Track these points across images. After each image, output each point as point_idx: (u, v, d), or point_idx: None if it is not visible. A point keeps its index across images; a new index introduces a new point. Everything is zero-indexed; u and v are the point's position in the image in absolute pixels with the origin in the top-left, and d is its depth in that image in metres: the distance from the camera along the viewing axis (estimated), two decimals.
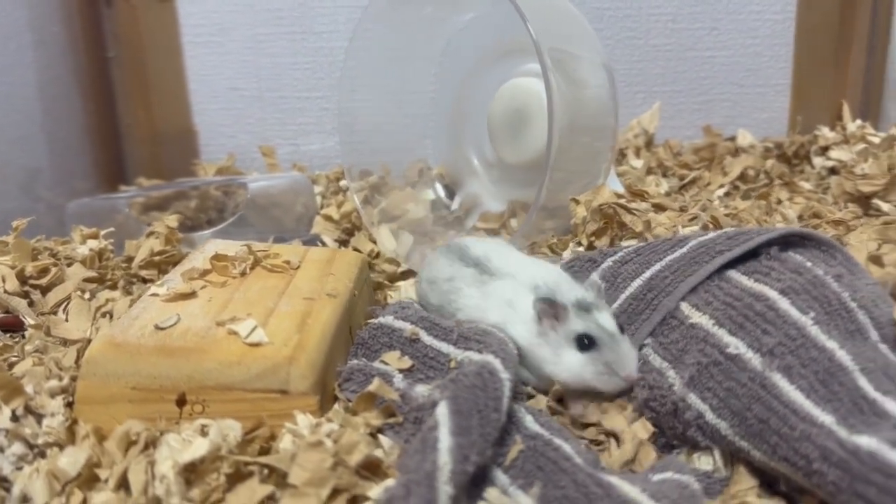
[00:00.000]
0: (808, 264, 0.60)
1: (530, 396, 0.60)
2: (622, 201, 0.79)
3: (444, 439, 0.45)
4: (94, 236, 0.89)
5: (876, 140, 1.19)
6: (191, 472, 0.49)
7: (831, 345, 0.53)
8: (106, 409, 0.54)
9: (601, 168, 0.93)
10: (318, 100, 1.32)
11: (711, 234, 0.66)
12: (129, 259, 0.87)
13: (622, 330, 0.60)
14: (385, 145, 1.12)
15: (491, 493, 0.46)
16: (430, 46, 1.08)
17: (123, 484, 0.49)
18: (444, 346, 0.60)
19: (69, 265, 0.79)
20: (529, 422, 0.55)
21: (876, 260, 0.65)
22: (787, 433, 0.48)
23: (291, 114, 1.32)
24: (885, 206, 0.98)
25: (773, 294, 0.57)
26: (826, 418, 0.48)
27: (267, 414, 0.54)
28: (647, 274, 0.66)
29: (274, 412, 0.54)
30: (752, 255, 0.63)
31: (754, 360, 0.53)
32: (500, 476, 0.49)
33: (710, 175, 1.13)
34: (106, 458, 0.51)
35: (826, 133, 1.28)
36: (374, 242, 0.99)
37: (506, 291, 0.64)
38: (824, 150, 1.24)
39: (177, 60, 1.27)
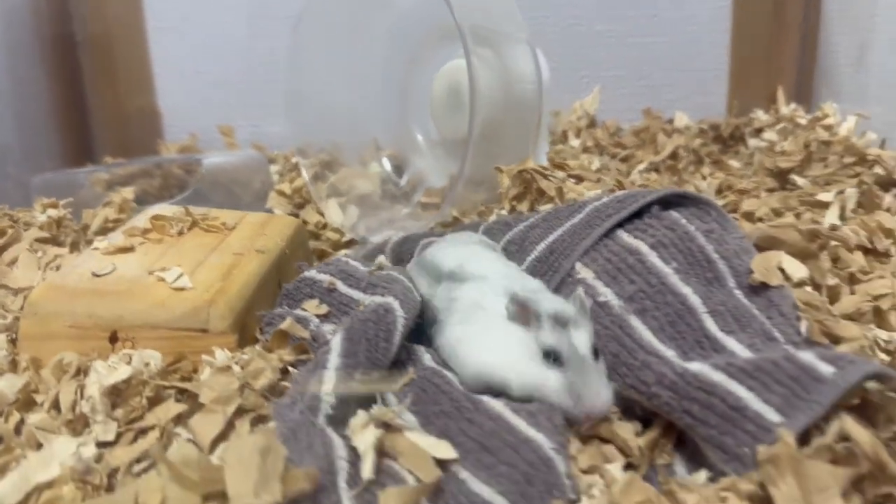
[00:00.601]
0: (683, 221, 0.67)
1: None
2: (540, 169, 0.86)
3: (333, 360, 0.52)
4: (54, 206, 0.95)
5: (804, 122, 1.26)
6: (115, 395, 0.55)
7: (686, 290, 0.60)
8: (46, 345, 0.61)
9: (529, 143, 1.00)
10: (279, 83, 1.37)
11: (605, 199, 0.73)
12: (86, 227, 0.93)
13: (597, 355, 0.55)
14: (336, 125, 1.18)
15: (376, 408, 0.53)
16: (376, 28, 1.14)
17: (56, 406, 0.56)
18: (356, 294, 0.67)
19: (27, 230, 0.85)
20: (427, 360, 0.61)
21: (748, 216, 0.72)
22: (632, 363, 0.54)
23: (253, 96, 1.38)
24: (800, 181, 1.05)
25: (644, 248, 0.64)
26: (668, 352, 0.55)
27: (189, 350, 0.61)
28: (551, 238, 0.72)
29: (196, 349, 0.61)
30: (641, 214, 0.70)
31: (617, 305, 0.60)
32: (390, 397, 0.56)
33: (643, 153, 1.20)
34: (42, 384, 0.57)
35: (760, 116, 1.35)
36: (322, 214, 1.06)
37: (474, 293, 0.61)
38: (758, 132, 1.31)
39: (142, 44, 1.33)
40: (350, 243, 1.01)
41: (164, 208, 0.82)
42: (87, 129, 1.33)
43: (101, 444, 0.53)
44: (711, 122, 1.34)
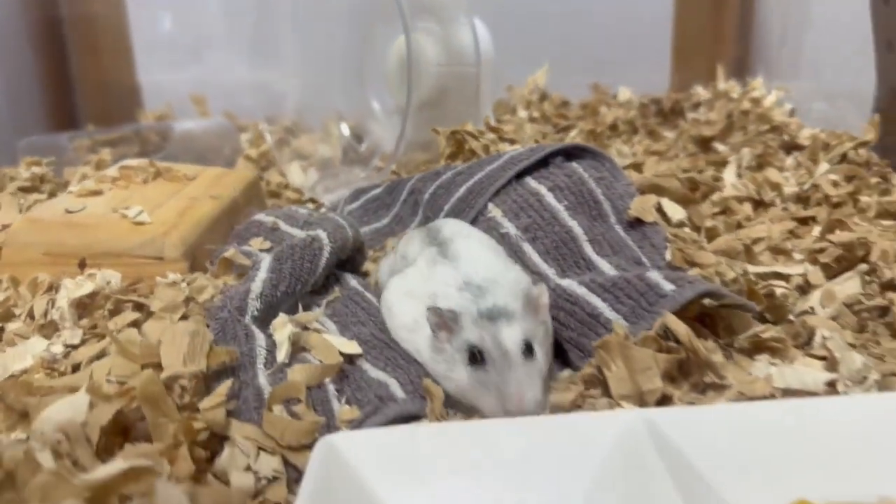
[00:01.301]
0: (580, 169, 0.77)
1: None
2: (471, 130, 0.96)
3: (260, 274, 0.63)
4: (38, 164, 1.05)
5: (736, 96, 1.36)
6: (81, 308, 0.66)
7: (572, 223, 0.71)
8: (23, 270, 0.71)
9: (471, 110, 1.10)
10: (252, 56, 1.47)
11: (520, 150, 0.83)
12: (67, 183, 1.03)
13: (531, 351, 0.53)
14: (302, 95, 1.28)
15: (301, 314, 0.63)
16: (339, 4, 1.24)
17: (31, 315, 0.66)
18: (295, 231, 0.77)
19: (12, 182, 0.95)
20: (353, 283, 0.72)
21: (637, 167, 0.82)
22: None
23: (225, 72, 1.48)
24: (721, 147, 1.15)
25: (543, 190, 0.75)
26: (549, 271, 0.66)
27: (147, 275, 0.71)
28: (471, 182, 0.83)
29: (152, 274, 0.71)
30: (548, 164, 0.80)
31: (514, 235, 0.70)
32: (316, 309, 0.66)
33: (584, 124, 1.30)
34: (20, 299, 0.67)
35: (700, 91, 1.44)
36: (283, 176, 1.16)
37: (436, 285, 0.60)
38: (696, 107, 1.41)
39: (122, 22, 1.42)
40: (309, 202, 1.11)
41: (132, 161, 0.92)
42: (70, 99, 1.43)
43: (69, 347, 0.63)
44: (653, 97, 1.43)
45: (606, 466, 0.46)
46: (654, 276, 0.61)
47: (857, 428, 0.48)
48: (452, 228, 0.68)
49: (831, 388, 0.54)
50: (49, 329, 0.64)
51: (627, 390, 0.54)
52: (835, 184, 0.90)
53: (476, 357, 0.52)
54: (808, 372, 0.55)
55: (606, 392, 0.54)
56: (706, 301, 0.60)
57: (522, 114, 1.33)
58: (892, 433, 0.47)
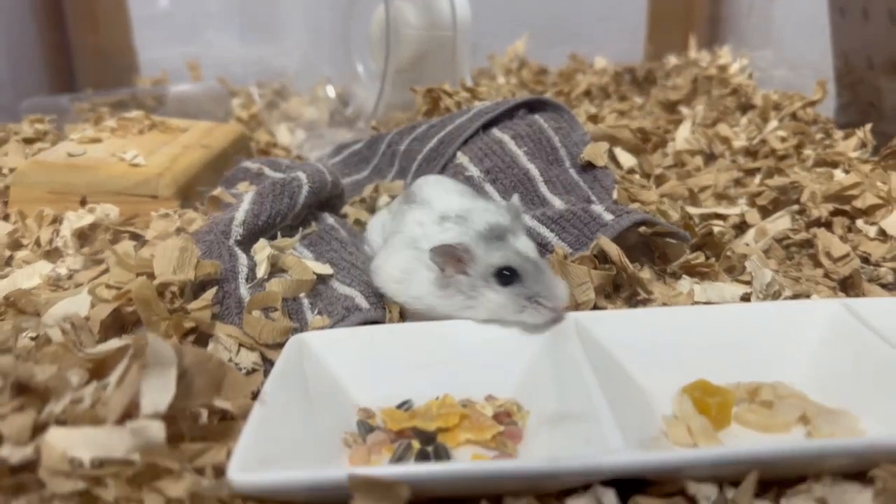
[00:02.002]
0: (541, 120, 0.84)
1: None
2: (445, 89, 1.02)
3: (244, 205, 0.70)
4: (40, 121, 1.11)
5: (705, 64, 1.42)
6: (83, 238, 0.73)
7: (530, 166, 0.78)
8: (29, 207, 0.78)
9: (447, 73, 1.16)
10: (245, 23, 1.53)
11: (488, 103, 0.90)
12: (67, 136, 1.10)
13: (541, 253, 0.57)
14: (291, 61, 1.35)
15: (279, 240, 0.70)
16: None
17: (37, 244, 0.73)
18: (278, 175, 0.84)
19: (16, 136, 1.02)
20: (330, 220, 0.79)
21: (593, 119, 0.89)
22: None
23: (221, 36, 1.54)
24: (685, 111, 1.22)
25: (506, 138, 0.82)
26: None
27: (142, 212, 0.78)
28: (442, 133, 0.89)
29: (147, 211, 0.78)
30: (512, 116, 0.87)
31: (478, 177, 0.77)
32: (297, 244, 0.73)
33: (559, 90, 1.36)
34: (27, 231, 0.74)
35: (672, 60, 1.51)
36: (272, 135, 1.22)
37: (412, 226, 0.61)
38: (668, 75, 1.48)
39: None
40: (296, 159, 1.18)
41: (130, 115, 0.99)
42: (70, 65, 1.49)
43: (71, 271, 0.70)
44: (628, 66, 1.50)
45: (540, 354, 0.53)
46: (597, 208, 0.68)
47: (757, 327, 0.55)
48: (424, 181, 0.70)
49: (745, 300, 0.61)
50: (54, 256, 0.71)
51: None
52: (782, 139, 0.96)
53: (507, 276, 0.54)
54: (726, 287, 0.62)
55: None
56: (642, 229, 0.67)
57: (501, 80, 1.39)
58: (786, 331, 0.55)
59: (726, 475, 0.40)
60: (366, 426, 0.49)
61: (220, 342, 0.55)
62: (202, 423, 0.46)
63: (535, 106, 0.87)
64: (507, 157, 0.79)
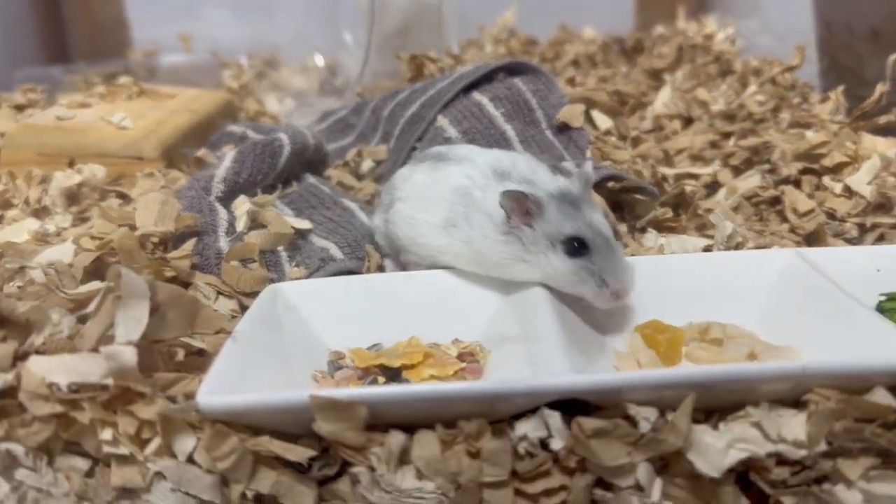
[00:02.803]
0: (519, 83, 0.86)
1: None
2: (429, 55, 1.04)
3: (225, 163, 0.72)
4: (32, 91, 1.13)
5: (692, 34, 1.43)
6: (71, 198, 0.75)
7: (506, 127, 0.80)
8: (20, 169, 0.80)
9: (433, 41, 1.18)
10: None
11: (469, 67, 0.92)
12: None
13: (616, 234, 0.55)
14: (282, 34, 1.36)
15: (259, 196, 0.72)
16: None
17: (27, 202, 0.75)
18: (260, 137, 0.85)
19: (8, 103, 1.04)
20: (312, 180, 0.81)
21: (570, 81, 0.91)
22: None
23: (213, 10, 1.55)
24: (668, 78, 1.23)
25: (484, 101, 0.83)
26: None
27: (129, 174, 0.80)
28: (424, 97, 0.91)
29: (134, 172, 0.80)
30: (491, 80, 0.89)
31: (456, 138, 0.79)
32: (277, 202, 0.75)
33: (543, 57, 1.37)
34: (17, 191, 0.77)
35: (660, 30, 1.52)
36: (260, 104, 1.24)
37: (458, 178, 0.59)
38: (656, 45, 1.49)
39: None
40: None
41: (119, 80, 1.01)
42: (63, 37, 1.51)
43: (59, 228, 0.72)
44: (616, 36, 1.51)
45: (507, 300, 0.56)
46: (568, 165, 0.70)
47: (715, 274, 0.57)
48: (447, 147, 0.68)
49: (707, 251, 0.63)
50: (42, 214, 0.74)
51: None
52: (760, 103, 0.98)
53: (576, 248, 0.52)
54: (688, 240, 0.64)
55: None
56: (611, 184, 0.69)
57: (489, 49, 1.40)
58: (742, 278, 0.57)
59: (668, 401, 0.42)
60: (335, 365, 0.52)
61: (199, 290, 0.58)
62: (178, 360, 0.49)
63: (514, 69, 0.89)
64: (485, 119, 0.81)
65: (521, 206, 0.53)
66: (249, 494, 0.41)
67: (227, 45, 1.54)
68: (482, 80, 0.88)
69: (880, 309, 0.55)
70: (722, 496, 0.42)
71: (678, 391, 0.41)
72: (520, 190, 0.52)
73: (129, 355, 0.40)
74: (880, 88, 0.83)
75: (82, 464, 0.42)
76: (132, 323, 0.41)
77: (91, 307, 0.43)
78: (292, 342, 0.53)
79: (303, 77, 1.33)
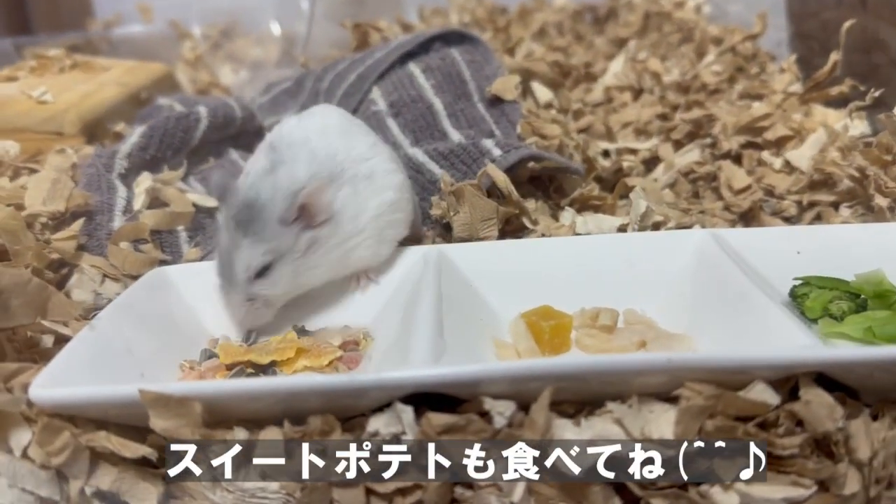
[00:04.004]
0: (455, 53, 0.82)
1: None
2: (373, 24, 1.00)
3: (131, 139, 0.69)
4: None
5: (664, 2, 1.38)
6: None
7: (435, 100, 0.76)
8: None
9: (390, 9, 1.14)
10: None
11: (407, 37, 0.88)
12: None
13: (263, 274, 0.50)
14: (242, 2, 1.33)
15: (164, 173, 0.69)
16: None
17: None
18: (185, 110, 0.82)
19: None
20: (234, 156, 0.79)
21: (510, 52, 0.87)
22: None
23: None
24: (632, 46, 1.18)
25: (417, 71, 0.80)
26: (405, 141, 0.72)
27: (47, 149, 0.77)
28: (362, 68, 0.88)
29: (53, 148, 0.77)
30: (429, 49, 0.85)
31: (383, 111, 0.76)
32: (191, 179, 0.73)
33: (515, 28, 1.33)
34: None
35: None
36: (213, 76, 1.21)
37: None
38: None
39: None
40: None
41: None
42: (22, 7, 1.47)
43: None
44: (589, 4, 1.46)
45: (400, 285, 0.54)
46: (488, 143, 0.67)
47: (622, 256, 0.55)
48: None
49: (622, 231, 0.60)
50: None
51: (466, 235, 0.59)
52: (716, 73, 0.94)
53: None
54: (605, 219, 0.61)
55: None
56: (532, 164, 0.66)
57: (454, 17, 1.36)
58: (651, 260, 0.54)
59: (533, 394, 0.39)
60: (207, 353, 0.49)
61: (85, 272, 0.56)
62: (42, 347, 0.47)
63: (452, 39, 0.86)
64: (414, 91, 0.77)
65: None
66: (89, 491, 0.39)
67: (188, 16, 1.50)
68: (419, 51, 0.85)
69: (793, 294, 0.52)
70: (591, 495, 0.39)
71: (541, 383, 0.39)
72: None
73: None
74: (833, 57, 0.79)
75: None
76: None
77: None
78: (171, 329, 0.51)
79: (259, 48, 1.30)
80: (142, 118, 0.86)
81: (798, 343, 0.42)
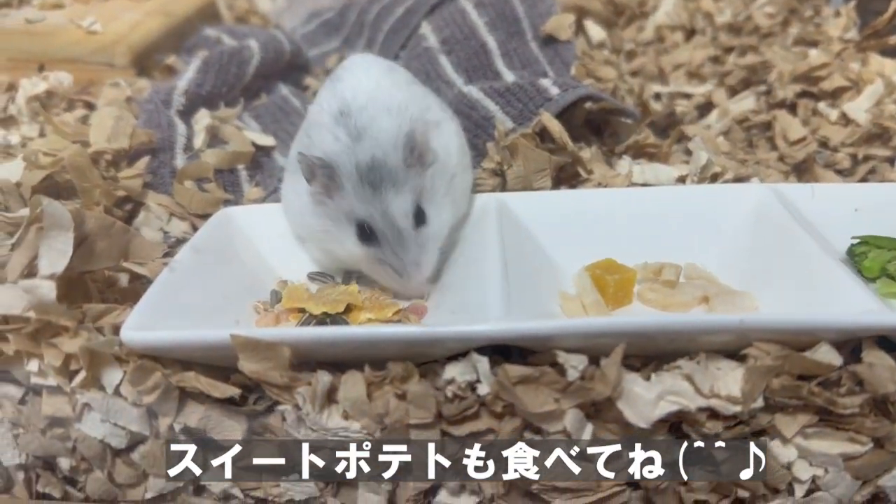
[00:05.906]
0: None
1: None
2: None
3: (188, 74, 0.69)
4: None
5: None
6: (38, 104, 0.73)
7: (488, 38, 0.75)
8: None
9: None
10: None
11: None
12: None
13: (422, 219, 0.49)
14: None
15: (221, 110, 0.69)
16: None
17: None
18: (235, 42, 0.82)
19: None
20: (284, 91, 0.78)
21: None
22: (439, 89, 0.70)
23: None
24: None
25: (469, 7, 0.79)
26: (458, 80, 0.71)
27: (98, 81, 0.77)
28: (410, 2, 0.86)
29: (104, 79, 0.77)
30: None
31: (434, 48, 0.76)
32: (245, 115, 0.73)
33: None
34: None
35: None
36: (249, 2, 1.19)
37: (311, 112, 0.54)
38: None
39: None
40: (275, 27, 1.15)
41: None
42: None
43: (26, 139, 0.70)
44: None
45: (461, 235, 0.54)
46: (545, 82, 0.66)
47: (681, 210, 0.55)
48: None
49: (681, 181, 0.61)
50: (9, 123, 0.72)
51: (520, 186, 0.60)
52: (769, 16, 0.92)
53: (365, 233, 0.48)
54: (662, 169, 0.61)
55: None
56: (589, 105, 0.66)
57: None
58: (710, 214, 0.54)
59: (602, 348, 0.41)
60: (278, 296, 0.51)
61: (152, 211, 0.57)
62: (121, 286, 0.49)
63: None
64: (467, 28, 0.76)
65: (312, 174, 0.47)
66: (177, 427, 0.42)
67: None
68: None
69: (850, 253, 0.52)
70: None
71: (613, 340, 0.40)
72: (315, 156, 0.46)
73: (48, 290, 0.39)
74: (895, 5, 0.77)
75: (15, 391, 0.42)
76: (55, 255, 0.40)
77: (14, 239, 0.42)
78: (241, 270, 0.52)
79: None
80: (188, 49, 0.86)
81: (859, 303, 0.43)
